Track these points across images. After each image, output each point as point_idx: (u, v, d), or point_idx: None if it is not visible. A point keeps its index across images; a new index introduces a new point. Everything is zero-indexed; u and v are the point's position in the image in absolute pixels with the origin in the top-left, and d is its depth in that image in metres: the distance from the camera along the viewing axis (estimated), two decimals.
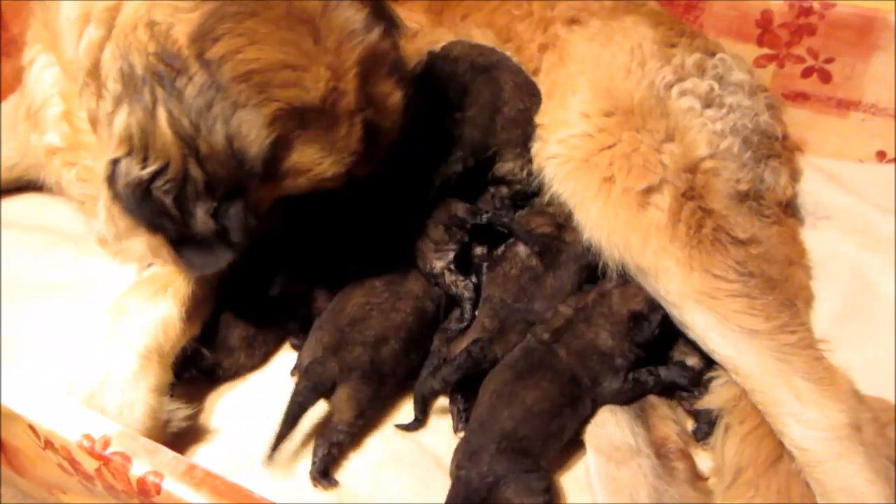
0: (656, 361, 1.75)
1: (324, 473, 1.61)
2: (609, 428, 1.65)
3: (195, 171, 1.45)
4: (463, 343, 1.75)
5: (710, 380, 1.73)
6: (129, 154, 1.46)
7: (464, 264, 1.88)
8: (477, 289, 1.86)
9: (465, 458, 1.56)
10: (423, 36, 2.26)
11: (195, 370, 1.78)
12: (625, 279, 1.77)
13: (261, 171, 1.48)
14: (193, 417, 1.72)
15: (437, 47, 2.21)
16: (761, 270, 1.73)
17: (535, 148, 1.96)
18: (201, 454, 1.69)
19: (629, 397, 1.71)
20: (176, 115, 1.42)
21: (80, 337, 1.85)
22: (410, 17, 2.27)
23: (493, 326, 1.76)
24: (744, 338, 1.64)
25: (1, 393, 1.54)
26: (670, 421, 1.71)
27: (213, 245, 1.55)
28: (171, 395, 1.70)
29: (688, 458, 1.66)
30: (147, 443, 1.47)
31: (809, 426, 1.55)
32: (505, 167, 1.98)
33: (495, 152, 1.99)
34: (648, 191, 1.76)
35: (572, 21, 2.09)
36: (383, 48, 1.59)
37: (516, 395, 1.61)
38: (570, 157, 1.84)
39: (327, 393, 1.65)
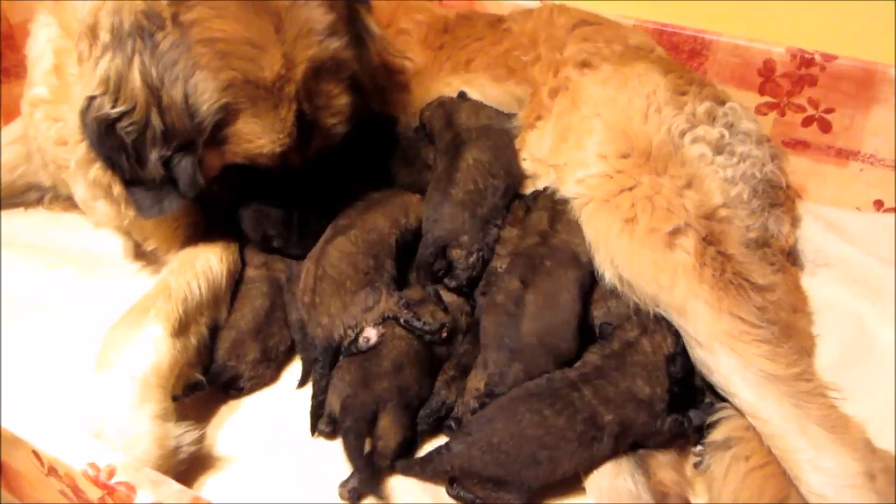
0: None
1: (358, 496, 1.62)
2: (610, 474, 1.65)
3: (156, 120, 1.68)
4: (470, 382, 1.77)
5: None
6: (104, 94, 1.69)
7: None
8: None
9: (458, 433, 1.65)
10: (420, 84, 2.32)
11: (215, 385, 1.80)
12: (644, 326, 1.78)
13: (208, 130, 1.68)
14: (201, 441, 1.71)
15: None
16: (779, 318, 1.77)
17: (551, 185, 2.01)
18: (211, 484, 1.68)
19: (667, 439, 1.71)
20: (148, 65, 1.65)
21: (80, 362, 1.84)
22: (405, 51, 2.31)
23: (502, 358, 1.75)
24: (765, 383, 1.66)
25: (3, 418, 1.54)
26: (669, 467, 1.71)
27: (161, 191, 1.77)
28: (176, 420, 1.68)
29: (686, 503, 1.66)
30: (152, 473, 1.46)
31: (825, 473, 1.57)
32: (453, 254, 1.96)
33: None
34: (675, 233, 1.79)
35: (584, 64, 2.13)
36: (343, 55, 1.80)
37: (515, 412, 1.63)
38: (591, 196, 1.88)
39: (372, 423, 1.66)
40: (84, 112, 1.71)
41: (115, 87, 1.67)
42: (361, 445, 1.62)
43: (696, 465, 1.74)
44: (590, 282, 1.88)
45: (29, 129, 2.11)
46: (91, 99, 1.70)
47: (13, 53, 2.58)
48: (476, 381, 1.75)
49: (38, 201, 2.41)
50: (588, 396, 1.65)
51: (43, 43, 1.99)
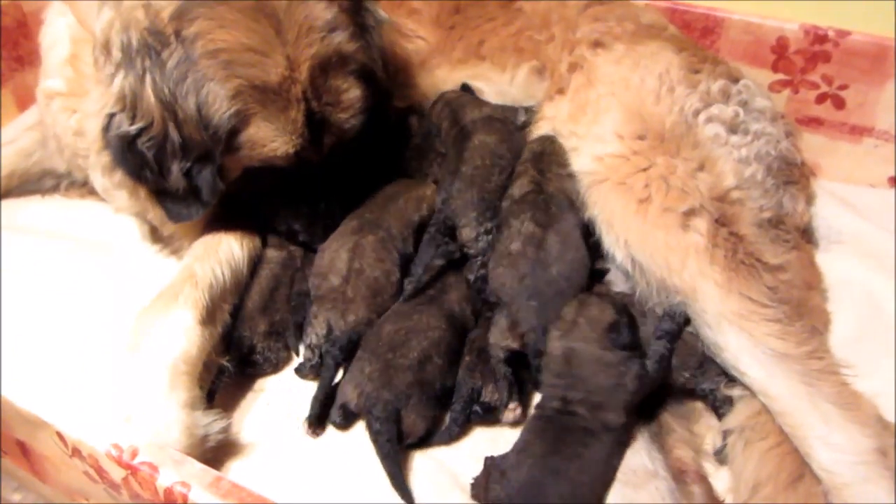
0: None
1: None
2: (627, 451, 1.66)
3: (174, 133, 1.72)
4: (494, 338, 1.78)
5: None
6: (122, 111, 1.73)
7: None
8: None
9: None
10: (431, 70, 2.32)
11: (233, 354, 1.83)
12: None
13: (224, 139, 1.72)
14: (228, 430, 1.73)
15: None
16: (791, 296, 1.77)
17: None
18: (235, 468, 1.70)
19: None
20: (159, 83, 1.68)
21: (101, 347, 1.89)
22: (416, 30, 2.31)
23: (531, 311, 1.76)
24: (774, 361, 1.67)
25: (27, 400, 1.56)
26: (686, 444, 1.73)
27: (187, 199, 1.82)
28: (204, 408, 1.70)
29: (704, 480, 1.68)
30: (174, 453, 1.49)
31: (836, 450, 1.57)
32: (463, 233, 1.98)
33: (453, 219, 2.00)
34: (689, 213, 1.80)
35: (596, 44, 2.12)
36: (347, 48, 1.80)
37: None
38: (606, 176, 1.89)
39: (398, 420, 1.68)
40: (105, 129, 1.76)
41: (132, 105, 1.71)
42: (396, 452, 1.65)
43: (715, 454, 1.76)
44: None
45: (45, 117, 2.13)
46: (111, 116, 1.74)
47: (28, 41, 2.59)
48: (502, 338, 1.76)
49: (55, 188, 2.43)
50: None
51: (59, 31, 2.00)
